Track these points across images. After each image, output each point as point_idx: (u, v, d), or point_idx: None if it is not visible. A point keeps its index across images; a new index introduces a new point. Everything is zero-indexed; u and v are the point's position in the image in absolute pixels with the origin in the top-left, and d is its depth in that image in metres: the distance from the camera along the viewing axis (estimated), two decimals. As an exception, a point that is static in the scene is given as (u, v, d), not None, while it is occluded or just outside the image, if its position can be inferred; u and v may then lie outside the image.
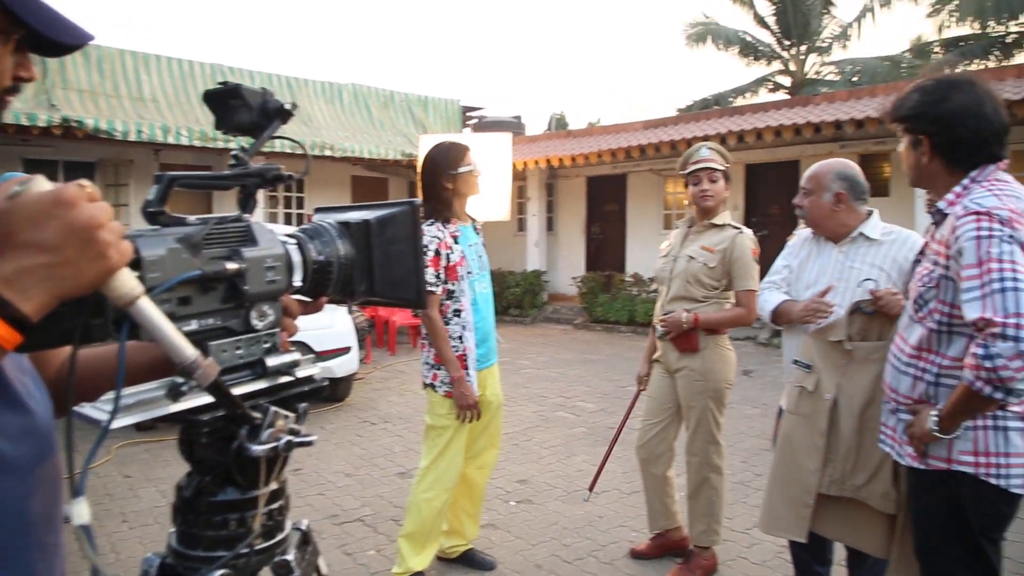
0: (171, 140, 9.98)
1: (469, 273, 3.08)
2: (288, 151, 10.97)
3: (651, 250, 12.72)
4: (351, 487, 4.50)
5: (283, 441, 1.01)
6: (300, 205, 13.42)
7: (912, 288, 1.88)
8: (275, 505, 1.07)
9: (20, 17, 0.80)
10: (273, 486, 1.08)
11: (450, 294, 3.02)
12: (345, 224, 1.10)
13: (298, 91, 12.30)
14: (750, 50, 19.63)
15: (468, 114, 15.04)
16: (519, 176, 13.37)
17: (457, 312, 3.03)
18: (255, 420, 0.98)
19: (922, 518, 1.88)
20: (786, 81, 19.98)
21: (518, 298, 12.78)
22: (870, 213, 2.60)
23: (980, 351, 1.59)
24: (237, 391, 0.97)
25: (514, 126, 15.66)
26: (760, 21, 19.70)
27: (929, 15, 16.82)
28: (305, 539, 1.17)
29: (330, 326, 6.41)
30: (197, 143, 10.12)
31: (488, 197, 10.28)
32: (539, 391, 7.19)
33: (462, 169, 3.05)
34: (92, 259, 0.72)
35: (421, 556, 3.14)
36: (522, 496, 4.29)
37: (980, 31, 16.55)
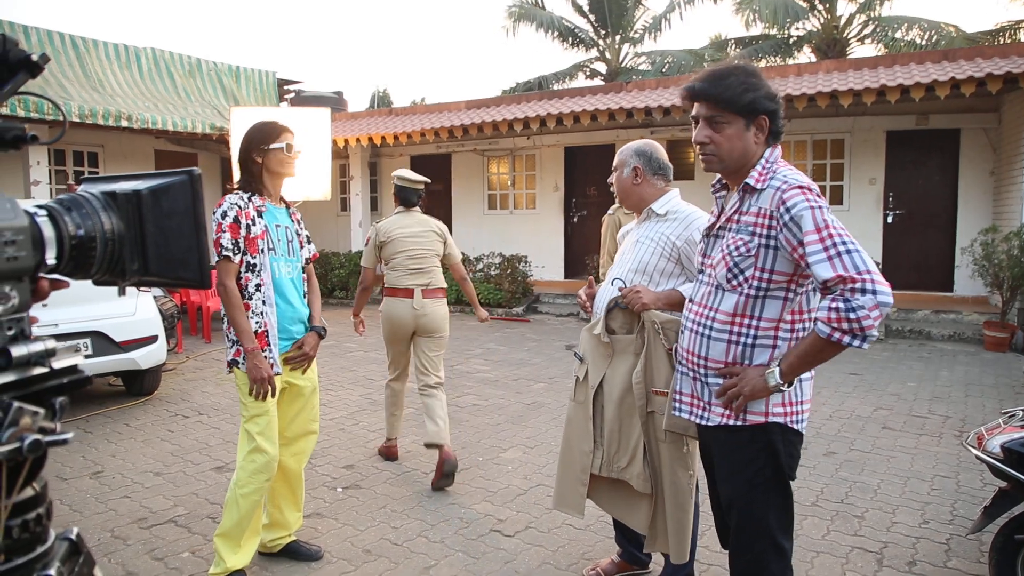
0: None
1: (272, 250, 2.96)
2: (86, 121, 9.84)
3: (477, 229, 12.92)
4: (161, 486, 4.17)
5: (28, 441, 0.87)
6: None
7: (721, 260, 1.99)
8: (31, 515, 0.94)
9: None
10: (28, 492, 0.96)
11: (251, 267, 2.89)
12: (112, 195, 0.98)
13: (86, 53, 10.99)
14: (569, 36, 20.34)
15: (285, 88, 14.30)
16: (341, 154, 12.98)
17: (258, 287, 2.91)
18: None
19: (739, 469, 2.03)
20: (602, 68, 20.96)
21: (343, 280, 12.46)
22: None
23: (842, 304, 1.74)
24: None
25: (334, 102, 15.15)
26: (578, 9, 20.46)
27: (736, 12, 18.34)
28: (75, 549, 1.06)
29: (132, 313, 5.86)
30: (-41, 108, 8.76)
31: (307, 175, 9.91)
32: (366, 374, 7.07)
33: (273, 146, 2.95)
34: None
35: (240, 554, 2.99)
36: (349, 482, 4.20)
37: (772, 32, 18.35)
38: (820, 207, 1.84)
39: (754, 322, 1.96)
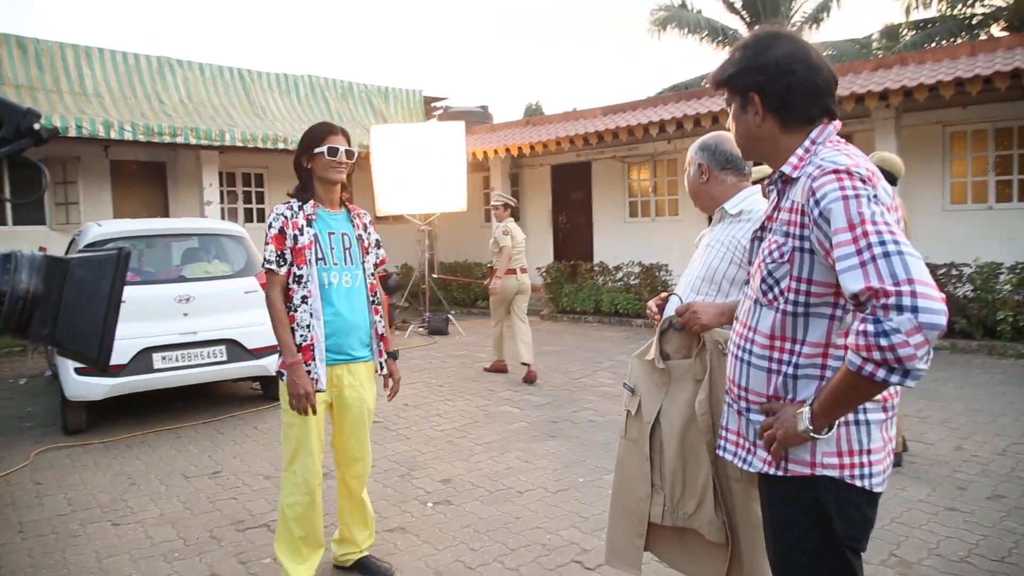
0: (113, 135, 9.68)
1: (321, 260, 2.89)
2: (248, 145, 10.71)
3: (617, 238, 12.57)
4: (267, 490, 4.29)
5: None
6: (260, 200, 13.14)
7: (757, 268, 1.65)
8: None
9: None
10: None
11: (297, 278, 2.84)
12: (56, 259, 0.94)
13: (251, 83, 12.00)
14: (719, 35, 19.44)
15: (432, 104, 14.78)
16: (482, 166, 13.16)
17: (304, 299, 2.84)
18: None
19: (781, 530, 1.65)
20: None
21: (486, 290, 12.58)
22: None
23: (871, 328, 1.32)
24: None
25: (480, 116, 15.46)
26: (729, 6, 19.53)
27: (896, -2, 16.74)
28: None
29: (263, 323, 6.17)
30: (141, 137, 9.83)
31: (443, 188, 10.13)
32: (488, 384, 7.00)
33: (318, 150, 2.89)
34: None
35: (303, 566, 2.96)
36: (441, 497, 4.10)
37: (948, 13, 16.44)
38: (858, 195, 1.41)
39: (796, 346, 1.57)
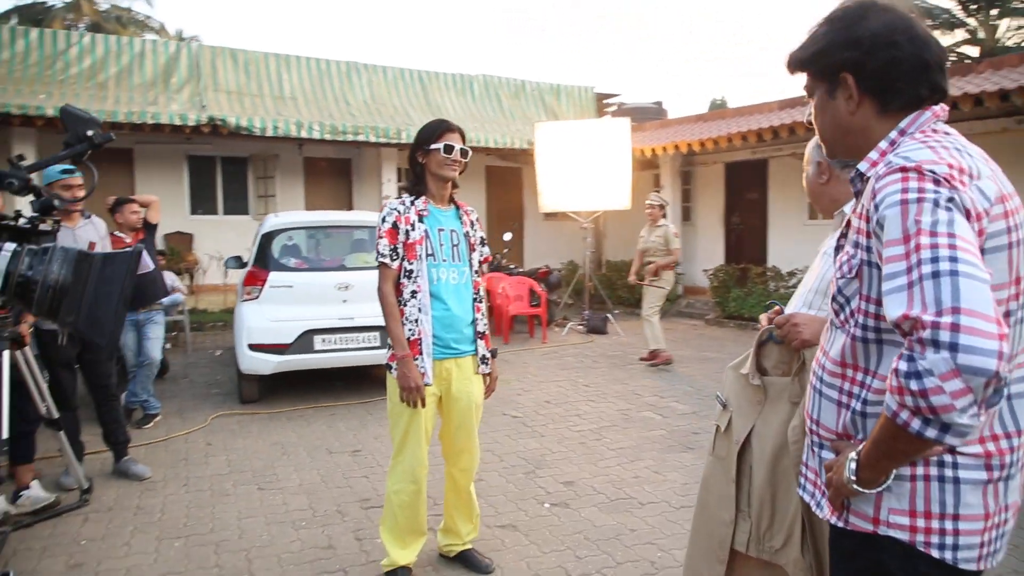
0: (304, 134, 10.57)
1: (431, 256, 2.90)
2: (380, 141, 11.23)
3: (794, 241, 11.71)
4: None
5: None
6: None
7: (831, 283, 1.41)
8: None
9: None
10: None
11: (408, 273, 2.87)
12: (85, 254, 1.04)
13: (429, 84, 12.58)
14: (926, 17, 17.43)
15: (604, 101, 14.65)
16: (652, 164, 12.82)
17: (413, 293, 2.88)
18: None
19: None
20: (973, 51, 17.56)
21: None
22: None
23: (903, 366, 1.09)
24: None
25: (654, 112, 15.09)
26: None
27: None
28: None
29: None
30: (328, 136, 10.64)
31: (606, 186, 9.97)
32: (635, 388, 6.79)
33: (432, 147, 2.90)
34: None
35: (405, 551, 3.02)
36: (560, 499, 4.02)
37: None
38: (921, 199, 1.15)
39: (867, 378, 1.31)
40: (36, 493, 3.88)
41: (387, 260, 2.88)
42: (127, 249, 1.17)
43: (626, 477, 4.36)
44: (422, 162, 2.97)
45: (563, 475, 4.41)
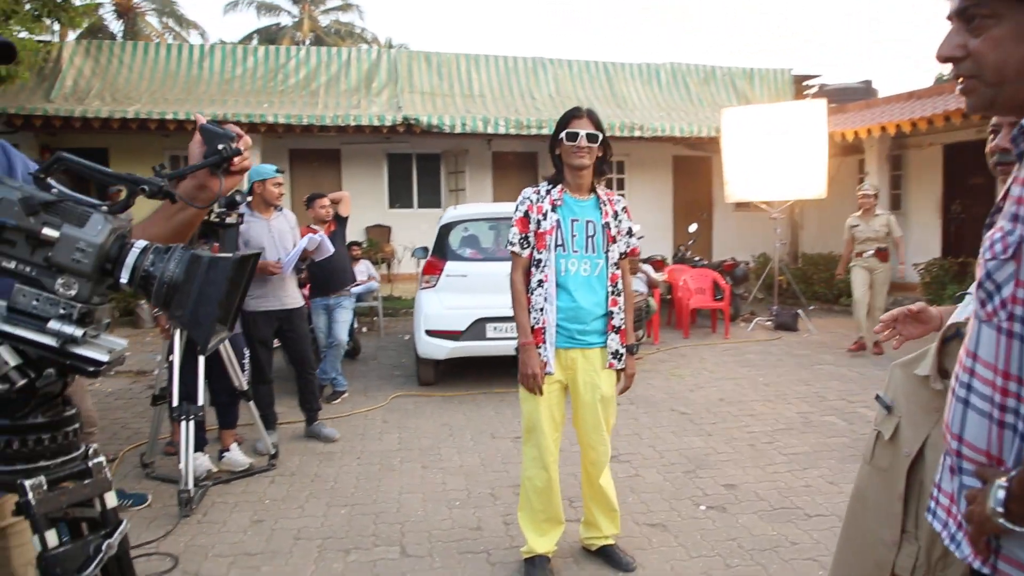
0: (491, 130, 10.93)
1: (560, 246, 2.84)
2: (611, 135, 11.17)
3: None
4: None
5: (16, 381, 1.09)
6: (621, 186, 13.62)
7: (978, 267, 1.14)
8: (70, 428, 1.23)
9: None
10: (68, 412, 1.23)
11: (537, 262, 2.84)
12: (197, 256, 1.15)
13: (614, 75, 12.46)
14: None
15: (803, 83, 13.61)
16: (855, 148, 11.70)
17: (540, 283, 2.85)
18: None
19: None
20: None
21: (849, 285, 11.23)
22: None
23: None
24: (20, 332, 1.09)
25: (860, 92, 13.75)
26: None
27: None
28: (85, 473, 1.24)
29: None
30: (513, 131, 10.92)
31: (800, 173, 9.26)
32: (820, 389, 6.25)
33: (561, 135, 2.84)
34: None
35: (543, 539, 3.03)
36: (718, 502, 3.80)
37: None
38: None
39: None
40: (236, 457, 4.38)
41: (517, 248, 2.90)
42: (230, 255, 1.29)
43: (795, 485, 4.02)
44: (557, 152, 2.94)
45: (725, 477, 4.17)
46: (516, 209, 2.94)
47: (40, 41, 9.68)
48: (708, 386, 6.43)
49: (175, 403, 3.83)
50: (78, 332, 1.13)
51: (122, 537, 1.24)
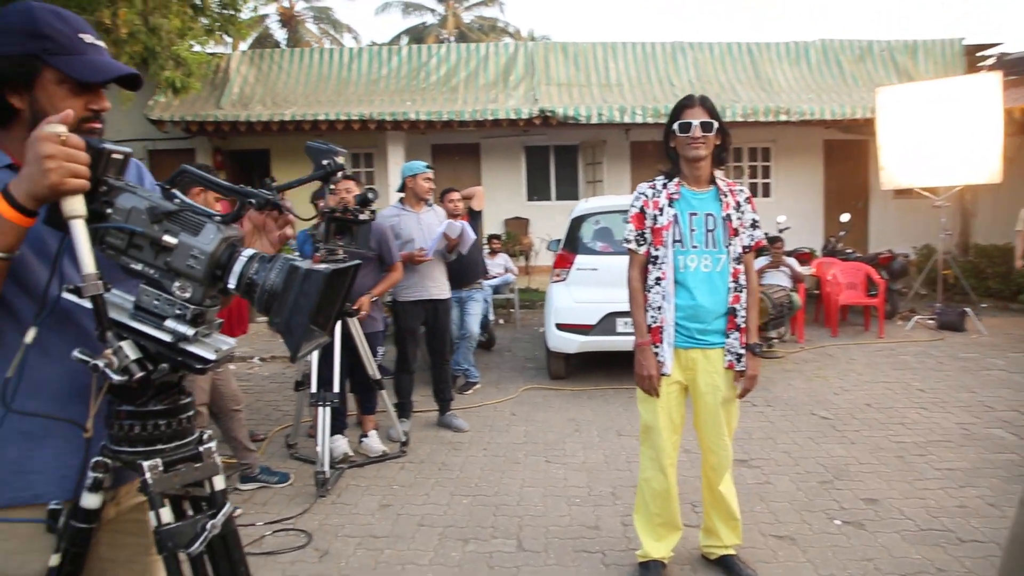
0: (627, 119, 10.75)
1: (678, 242, 2.73)
2: (748, 120, 10.73)
3: None
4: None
5: (135, 373, 1.22)
6: (766, 175, 12.97)
7: None
8: (184, 415, 1.36)
9: (66, 72, 1.29)
10: (183, 401, 1.36)
11: (653, 259, 2.74)
12: (295, 267, 1.24)
13: (759, 56, 11.83)
14: None
15: (977, 54, 12.26)
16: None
17: (658, 280, 2.75)
18: (108, 342, 1.19)
19: None
20: None
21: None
22: None
23: None
24: (142, 328, 1.23)
25: (1050, 61, 12.16)
26: None
27: None
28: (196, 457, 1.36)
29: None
30: (651, 120, 10.67)
31: (969, 155, 8.36)
32: (987, 398, 5.65)
33: (673, 127, 2.72)
34: (40, 174, 1.13)
35: (659, 544, 2.96)
36: (856, 518, 3.54)
37: None
38: None
39: None
40: (372, 444, 4.62)
41: (633, 245, 2.84)
42: (324, 267, 1.36)
43: (948, 505, 3.67)
44: (672, 145, 2.84)
45: (866, 491, 3.87)
46: (631, 205, 2.88)
47: (211, 54, 10.63)
48: (855, 389, 6.00)
49: (313, 390, 4.12)
50: (190, 331, 1.24)
51: (226, 518, 1.34)
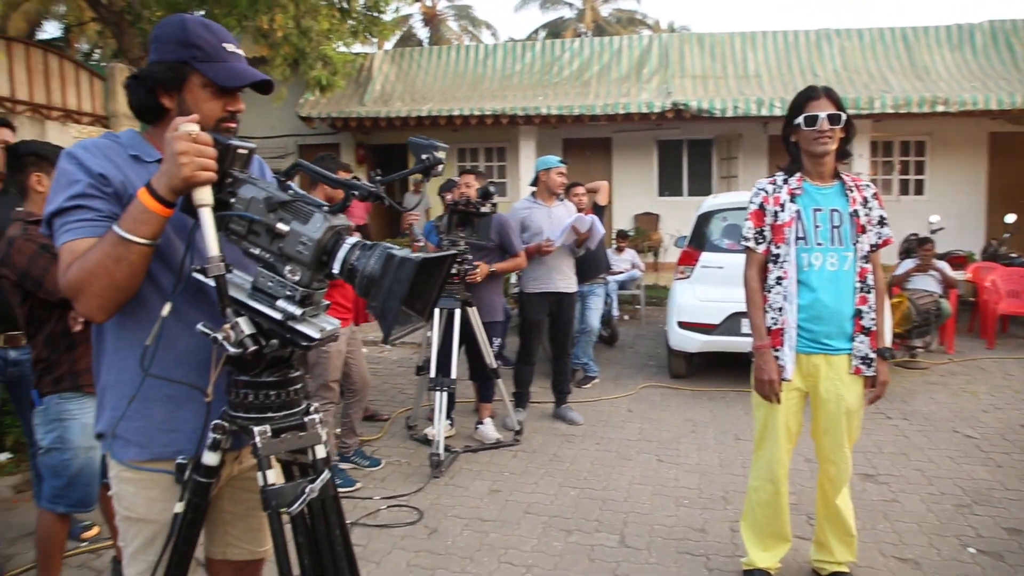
0: (765, 112, 10.30)
1: (801, 239, 2.59)
2: (900, 111, 10.00)
3: None
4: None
5: (249, 346, 1.36)
6: (920, 171, 12.02)
7: None
8: (294, 387, 1.50)
9: (210, 78, 1.48)
10: (293, 374, 1.50)
11: (774, 258, 2.63)
12: (391, 255, 1.35)
13: (914, 42, 10.95)
14: None
15: None
16: None
17: (779, 280, 2.62)
18: (227, 318, 1.34)
19: None
20: None
21: None
22: None
23: None
24: (257, 306, 1.37)
25: None
26: None
27: None
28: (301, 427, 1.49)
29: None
30: (789, 113, 10.16)
31: None
32: None
33: (795, 121, 2.59)
34: (176, 168, 1.30)
35: (765, 554, 2.87)
36: (994, 548, 3.25)
37: None
38: None
39: None
40: (488, 431, 4.76)
41: (751, 244, 2.74)
42: (415, 256, 1.42)
43: (1112, 541, 3.29)
44: (793, 140, 2.71)
45: (1009, 520, 3.54)
46: (750, 202, 2.77)
47: (356, 54, 11.25)
48: (1009, 408, 5.47)
49: (431, 375, 4.30)
50: (298, 311, 1.37)
51: (324, 484, 1.46)
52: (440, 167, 1.59)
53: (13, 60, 7.59)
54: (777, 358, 2.67)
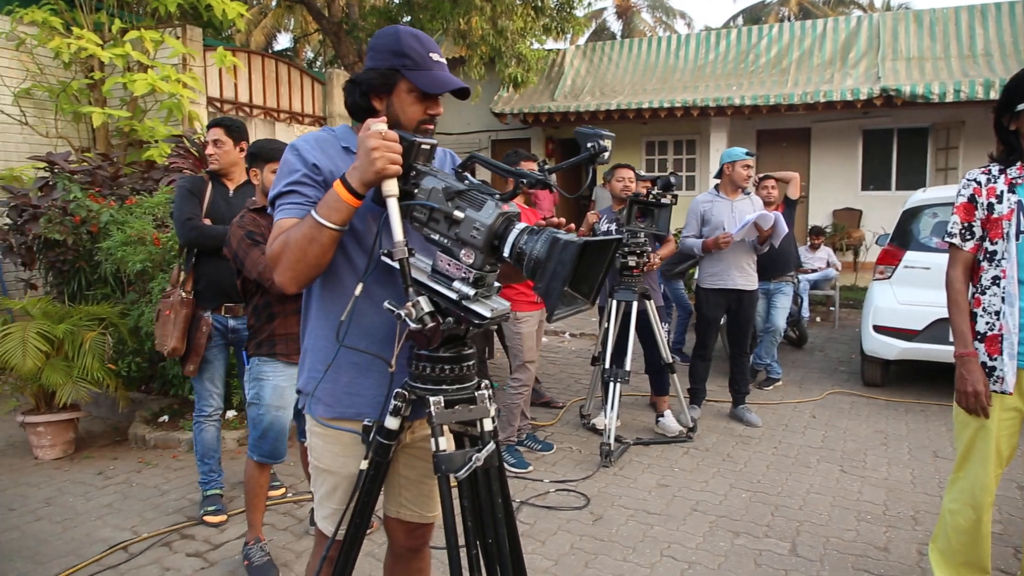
0: (993, 96, 9.14)
1: (1022, 233, 2.31)
2: None
3: None
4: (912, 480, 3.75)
5: (428, 323, 1.52)
6: None
7: None
8: (468, 363, 1.65)
9: (416, 84, 1.68)
10: (466, 351, 1.65)
11: (989, 255, 2.35)
12: (556, 238, 1.47)
13: None
14: None
15: None
16: None
17: (995, 280, 2.34)
18: (410, 295, 1.52)
19: None
20: None
21: None
22: None
23: None
24: (436, 287, 1.55)
25: None
26: None
27: None
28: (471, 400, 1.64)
29: None
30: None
31: None
32: None
33: (1020, 106, 2.29)
34: (369, 163, 1.48)
35: (958, 584, 2.61)
36: None
37: None
38: None
39: None
40: (670, 423, 4.76)
41: (956, 240, 2.47)
42: (578, 239, 1.46)
43: None
44: (1012, 128, 2.41)
45: None
46: (958, 194, 2.50)
47: (548, 50, 11.53)
48: None
49: (606, 366, 4.38)
50: (471, 292, 1.51)
51: (489, 455, 1.60)
52: (606, 154, 1.63)
53: (252, 70, 8.69)
54: (994, 368, 2.40)
